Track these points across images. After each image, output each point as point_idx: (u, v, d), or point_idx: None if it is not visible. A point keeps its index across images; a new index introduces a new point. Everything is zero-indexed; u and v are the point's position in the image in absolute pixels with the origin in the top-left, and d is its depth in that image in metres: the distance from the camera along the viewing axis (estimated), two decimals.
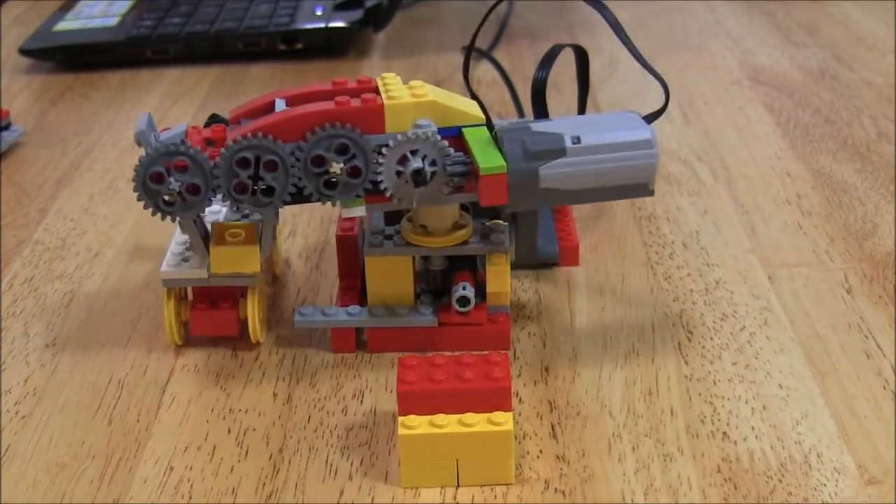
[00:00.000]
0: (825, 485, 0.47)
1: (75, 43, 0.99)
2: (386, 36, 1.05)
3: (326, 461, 0.50)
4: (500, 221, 0.58)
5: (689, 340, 0.57)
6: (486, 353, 0.49)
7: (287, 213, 0.70)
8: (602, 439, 0.50)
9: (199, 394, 0.54)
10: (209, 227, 0.56)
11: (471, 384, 0.47)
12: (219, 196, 0.53)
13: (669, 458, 0.49)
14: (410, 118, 0.52)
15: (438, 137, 0.52)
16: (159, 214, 0.53)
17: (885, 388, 0.53)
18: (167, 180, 0.52)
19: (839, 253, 0.65)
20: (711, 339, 0.57)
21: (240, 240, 0.55)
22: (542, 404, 0.53)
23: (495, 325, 0.56)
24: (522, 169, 0.51)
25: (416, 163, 0.52)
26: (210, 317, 0.57)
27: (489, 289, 0.56)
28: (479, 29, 0.61)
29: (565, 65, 0.66)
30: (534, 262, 0.63)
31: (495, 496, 0.47)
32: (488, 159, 0.51)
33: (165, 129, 0.54)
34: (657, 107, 0.57)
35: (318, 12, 1.00)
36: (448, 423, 0.47)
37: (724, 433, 0.50)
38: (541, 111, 0.61)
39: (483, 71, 0.93)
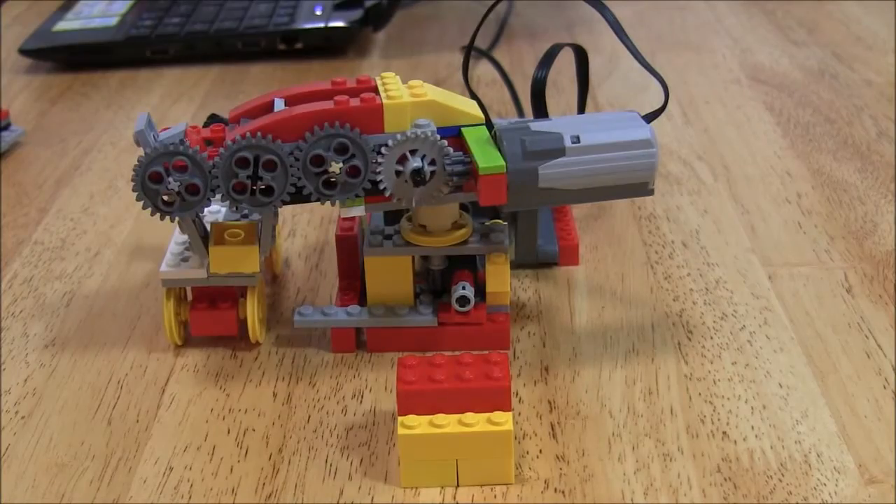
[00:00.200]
0: (825, 484, 0.47)
1: (75, 43, 0.99)
2: (385, 35, 1.05)
3: (326, 461, 0.50)
4: (500, 221, 0.58)
5: (689, 340, 0.57)
6: (485, 352, 0.49)
7: (287, 212, 0.70)
8: (602, 439, 0.50)
9: (199, 394, 0.54)
10: (208, 226, 0.56)
11: (470, 384, 0.47)
12: (218, 196, 0.53)
13: (669, 457, 0.49)
14: (410, 118, 0.52)
15: (438, 137, 0.52)
16: (158, 214, 0.53)
17: (885, 387, 0.53)
18: (166, 180, 0.52)
19: (839, 252, 0.64)
20: (711, 338, 0.57)
21: (239, 240, 0.55)
22: (541, 404, 0.53)
23: (495, 324, 0.56)
24: (522, 168, 0.51)
25: (415, 162, 0.52)
26: (210, 317, 0.57)
27: (489, 288, 0.56)
28: (478, 28, 0.61)
29: (565, 64, 0.66)
30: (533, 261, 0.63)
31: (495, 496, 0.47)
32: (488, 159, 0.51)
33: (165, 129, 0.54)
34: (657, 106, 0.57)
35: (318, 12, 1.00)
36: (448, 422, 0.47)
37: (724, 433, 0.50)
38: (540, 110, 0.61)
39: (483, 70, 0.93)
